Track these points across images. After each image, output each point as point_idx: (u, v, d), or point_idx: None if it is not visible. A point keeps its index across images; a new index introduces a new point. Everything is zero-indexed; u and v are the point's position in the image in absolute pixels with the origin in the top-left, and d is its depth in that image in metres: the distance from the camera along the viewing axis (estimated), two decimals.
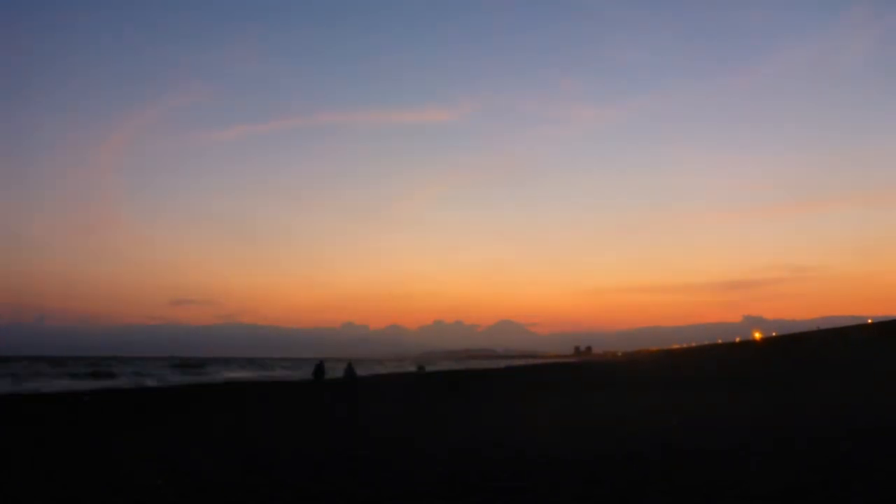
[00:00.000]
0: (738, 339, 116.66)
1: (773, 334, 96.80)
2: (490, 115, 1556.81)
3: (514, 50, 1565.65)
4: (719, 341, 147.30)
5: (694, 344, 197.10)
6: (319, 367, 40.27)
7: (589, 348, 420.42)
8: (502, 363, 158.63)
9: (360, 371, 45.44)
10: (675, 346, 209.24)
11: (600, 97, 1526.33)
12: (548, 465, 9.23)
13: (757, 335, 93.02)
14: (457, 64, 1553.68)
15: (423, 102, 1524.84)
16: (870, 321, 61.78)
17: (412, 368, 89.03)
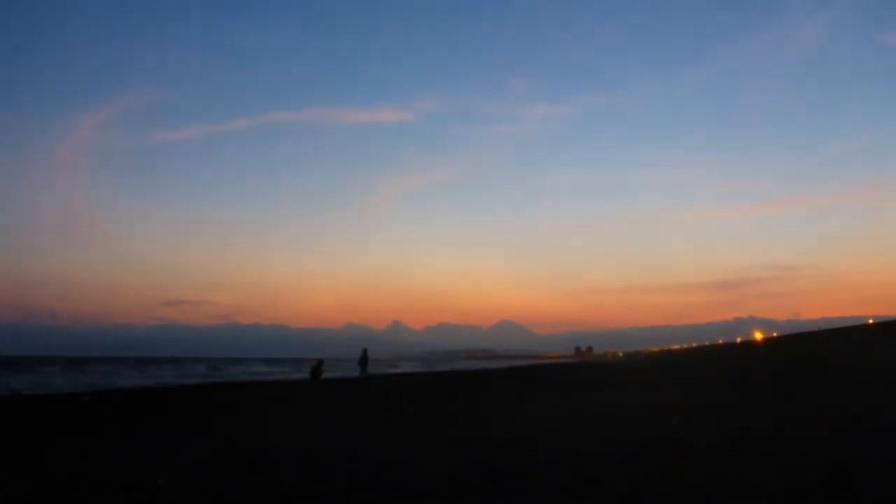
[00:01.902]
0: (738, 339, 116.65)
1: (774, 334, 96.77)
2: (446, 114, 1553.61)
3: (463, 50, 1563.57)
4: (720, 341, 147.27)
5: (695, 344, 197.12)
6: (316, 367, 40.41)
7: (589, 348, 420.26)
8: (503, 363, 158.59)
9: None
10: (676, 347, 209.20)
11: (551, 95, 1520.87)
12: (548, 465, 9.23)
13: (758, 335, 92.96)
14: (409, 64, 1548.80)
15: (376, 103, 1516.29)
16: (870, 321, 61.73)
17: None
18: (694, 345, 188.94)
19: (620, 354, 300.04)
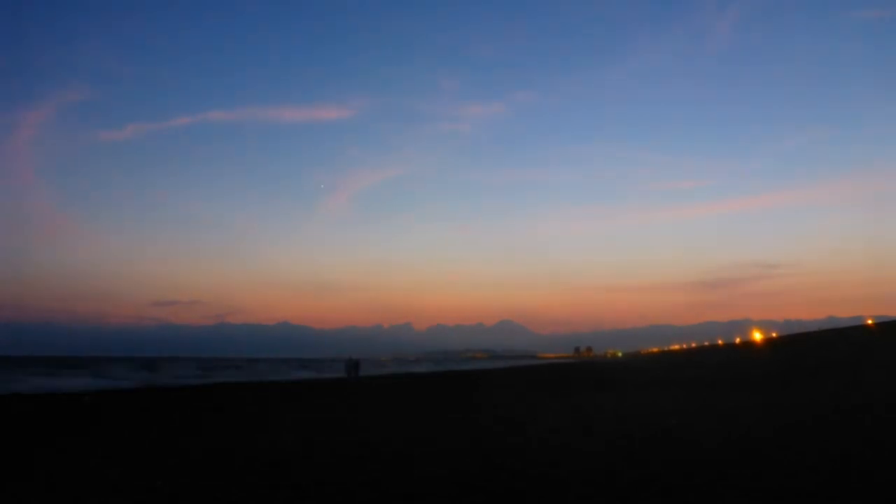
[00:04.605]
0: (738, 340, 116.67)
1: (774, 334, 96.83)
2: (385, 114, 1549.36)
3: (393, 49, 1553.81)
4: (720, 341, 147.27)
5: (694, 344, 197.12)
6: (351, 364, 42.42)
7: (589, 348, 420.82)
8: (503, 363, 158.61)
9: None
10: (675, 347, 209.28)
11: (480, 94, 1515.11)
12: (548, 465, 9.23)
13: (757, 335, 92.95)
14: (343, 63, 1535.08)
15: (312, 100, 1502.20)
16: (870, 321, 61.84)
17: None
18: (693, 345, 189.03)
19: (620, 354, 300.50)
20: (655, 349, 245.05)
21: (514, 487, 7.91)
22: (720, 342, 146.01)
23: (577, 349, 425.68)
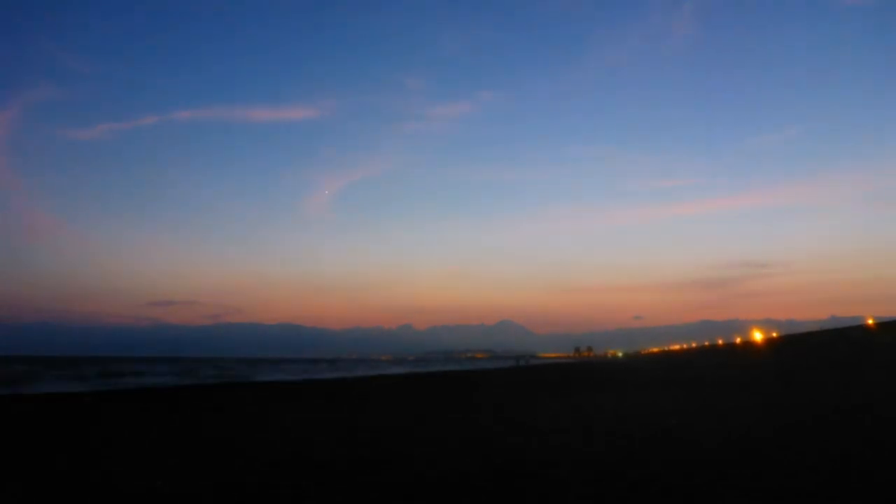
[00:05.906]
0: (738, 339, 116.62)
1: (774, 334, 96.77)
2: (352, 114, 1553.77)
3: (359, 50, 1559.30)
4: (720, 341, 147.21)
5: (694, 344, 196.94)
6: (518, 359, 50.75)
7: (589, 348, 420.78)
8: (503, 363, 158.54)
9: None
10: (676, 347, 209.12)
11: (443, 94, 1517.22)
12: (548, 466, 9.23)
13: (757, 335, 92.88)
14: (308, 63, 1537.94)
15: (280, 101, 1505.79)
16: (870, 321, 61.81)
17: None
18: (693, 345, 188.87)
19: (621, 354, 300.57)
20: (656, 349, 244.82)
21: (514, 487, 7.91)
22: (720, 342, 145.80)
23: (577, 349, 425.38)
